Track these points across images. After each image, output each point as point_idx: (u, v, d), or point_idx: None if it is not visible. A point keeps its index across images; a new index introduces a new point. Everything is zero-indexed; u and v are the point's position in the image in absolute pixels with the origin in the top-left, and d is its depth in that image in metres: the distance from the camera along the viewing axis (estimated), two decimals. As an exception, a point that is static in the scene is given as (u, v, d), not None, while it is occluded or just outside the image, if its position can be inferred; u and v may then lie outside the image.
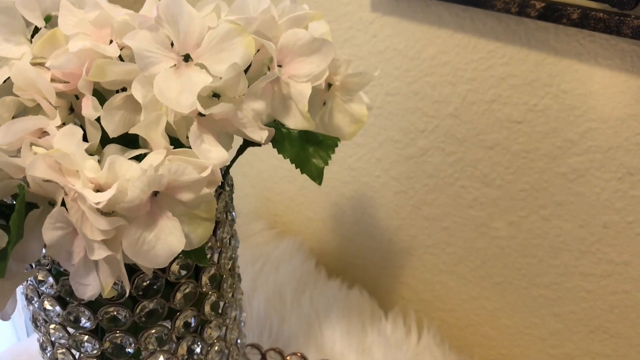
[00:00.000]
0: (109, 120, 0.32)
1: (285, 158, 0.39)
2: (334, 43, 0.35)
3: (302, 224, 0.79)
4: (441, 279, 0.67)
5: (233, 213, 0.44)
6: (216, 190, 0.39)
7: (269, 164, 0.79)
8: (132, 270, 0.37)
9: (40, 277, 0.38)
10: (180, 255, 0.38)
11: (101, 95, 0.33)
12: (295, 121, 0.36)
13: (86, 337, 0.39)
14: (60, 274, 0.38)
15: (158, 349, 0.40)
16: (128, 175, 0.29)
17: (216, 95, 0.33)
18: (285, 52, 0.35)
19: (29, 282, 0.40)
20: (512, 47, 0.53)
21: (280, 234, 0.80)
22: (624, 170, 0.51)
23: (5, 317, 0.33)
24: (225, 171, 0.41)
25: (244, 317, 0.50)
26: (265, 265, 0.72)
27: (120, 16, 0.33)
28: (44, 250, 0.32)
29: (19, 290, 0.37)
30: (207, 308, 0.42)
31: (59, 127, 0.31)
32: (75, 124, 0.32)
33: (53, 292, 0.38)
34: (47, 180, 0.29)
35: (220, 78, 0.32)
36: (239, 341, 0.48)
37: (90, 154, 0.31)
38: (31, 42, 0.34)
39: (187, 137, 0.31)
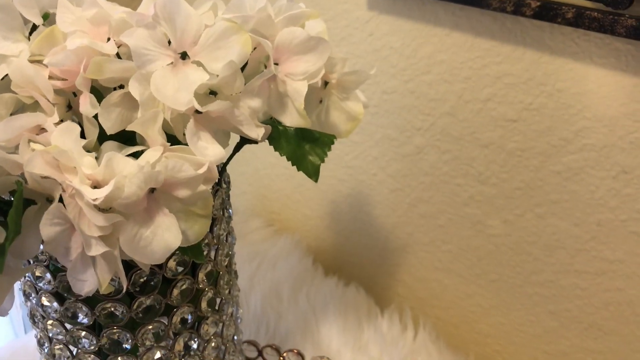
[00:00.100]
0: (107, 117, 0.32)
1: (281, 155, 0.39)
2: (331, 41, 0.35)
3: (299, 221, 0.79)
4: (437, 276, 0.67)
5: (230, 210, 0.44)
6: (213, 187, 0.40)
7: (267, 162, 0.80)
8: (129, 266, 0.37)
9: (38, 273, 0.39)
10: (177, 252, 0.38)
11: (99, 92, 0.33)
12: (291, 119, 0.36)
13: (83, 333, 0.40)
14: (57, 270, 0.38)
15: (155, 344, 0.41)
16: (125, 172, 0.30)
17: (213, 93, 0.33)
18: (282, 50, 0.35)
19: (26, 278, 0.40)
20: (507, 45, 0.53)
21: (278, 232, 0.80)
22: (618, 168, 0.51)
23: (3, 313, 0.33)
24: (222, 168, 0.42)
25: (241, 314, 0.51)
26: (262, 262, 0.72)
27: (117, 14, 0.33)
28: (41, 246, 0.32)
29: (17, 286, 0.38)
30: (203, 304, 0.42)
31: (57, 124, 0.31)
32: (73, 121, 0.32)
33: (51, 288, 0.39)
34: (45, 177, 0.29)
35: (217, 76, 0.32)
36: (235, 337, 0.48)
37: (88, 151, 0.31)
38: (29, 39, 0.34)
39: (184, 135, 0.32)
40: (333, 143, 0.41)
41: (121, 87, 0.33)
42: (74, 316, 0.39)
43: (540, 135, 0.54)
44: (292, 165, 0.40)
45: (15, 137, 0.30)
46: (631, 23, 0.45)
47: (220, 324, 0.45)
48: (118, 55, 0.33)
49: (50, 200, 0.31)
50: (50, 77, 0.32)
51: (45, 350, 0.43)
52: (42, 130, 0.31)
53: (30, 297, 0.41)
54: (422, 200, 0.65)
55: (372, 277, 0.73)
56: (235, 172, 0.83)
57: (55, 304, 0.39)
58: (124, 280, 0.32)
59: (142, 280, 0.38)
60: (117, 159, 0.30)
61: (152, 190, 0.31)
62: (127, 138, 0.33)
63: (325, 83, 0.39)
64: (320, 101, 0.39)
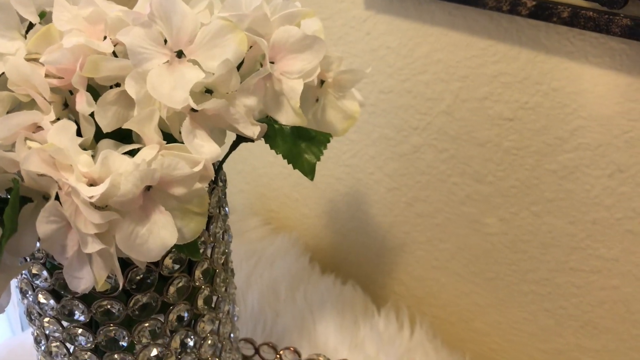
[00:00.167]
0: (103, 115, 0.32)
1: (277, 154, 0.40)
2: (328, 40, 0.35)
3: (297, 220, 0.79)
4: (433, 275, 0.68)
5: (226, 208, 0.45)
6: (209, 185, 0.40)
7: (264, 161, 0.80)
8: (126, 264, 0.37)
9: (34, 271, 0.39)
10: (173, 250, 0.38)
11: (95, 90, 0.33)
12: (287, 117, 0.36)
13: (80, 331, 0.40)
14: (54, 268, 0.38)
15: (151, 342, 0.41)
16: (121, 170, 0.30)
17: (209, 91, 0.33)
18: (278, 49, 0.35)
19: (23, 275, 0.40)
20: (503, 45, 0.54)
21: (275, 230, 0.80)
22: (613, 167, 0.51)
23: (0, 310, 0.33)
24: (219, 166, 0.42)
25: (237, 312, 0.51)
26: (260, 261, 0.72)
27: (114, 12, 0.33)
28: (38, 244, 0.32)
29: (14, 283, 0.38)
30: (200, 302, 0.42)
31: (53, 122, 0.31)
32: (69, 119, 0.32)
33: (47, 286, 0.39)
34: (41, 175, 0.30)
35: (213, 74, 0.32)
36: (232, 335, 0.49)
37: (84, 149, 0.31)
38: (25, 37, 0.34)
39: (180, 133, 0.32)
40: (329, 141, 0.41)
41: (117, 85, 0.33)
42: (71, 314, 0.39)
43: (536, 134, 0.55)
44: (288, 163, 0.40)
45: (12, 135, 0.31)
46: (626, 23, 0.45)
47: (217, 322, 0.45)
48: (114, 54, 0.33)
49: (46, 198, 0.31)
50: (46, 76, 0.32)
51: (42, 347, 0.43)
52: (39, 128, 0.31)
53: (27, 295, 0.41)
54: (419, 199, 0.65)
55: (369, 275, 0.74)
56: (233, 171, 0.83)
57: (51, 302, 0.39)
58: (120, 277, 0.32)
59: (138, 277, 0.38)
60: (113, 156, 0.30)
61: (148, 188, 0.31)
62: (123, 136, 0.33)
63: (322, 82, 0.39)
64: (317, 100, 0.39)
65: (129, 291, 0.39)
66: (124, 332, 0.40)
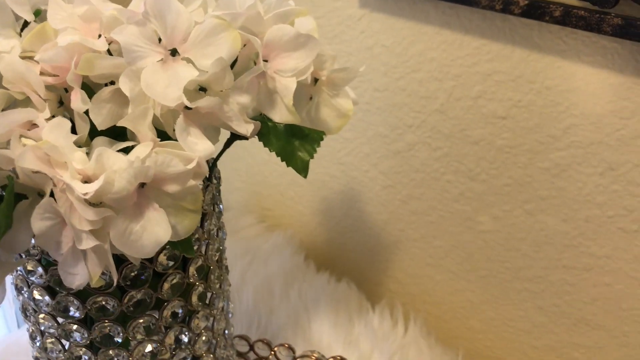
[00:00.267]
0: (97, 113, 0.32)
1: (271, 151, 0.40)
2: (322, 39, 0.36)
3: (292, 217, 0.80)
4: (428, 272, 0.68)
5: (220, 205, 0.45)
6: (203, 182, 0.40)
7: (260, 158, 0.80)
8: (120, 260, 0.37)
9: (29, 267, 0.39)
10: (168, 246, 0.38)
11: (90, 88, 0.34)
12: (280, 115, 0.36)
13: (75, 327, 0.40)
14: (49, 264, 0.38)
15: (146, 338, 0.41)
16: (115, 167, 0.30)
17: (203, 89, 0.34)
18: (271, 47, 0.35)
19: (18, 272, 0.40)
20: (497, 43, 0.54)
21: (270, 228, 0.80)
22: (605, 165, 0.52)
23: (-5, 306, 0.34)
24: (213, 164, 0.42)
25: (232, 308, 0.51)
26: (254, 258, 0.73)
27: (108, 11, 0.33)
28: (33, 240, 0.32)
29: (9, 280, 0.38)
30: (194, 298, 0.43)
31: (48, 119, 0.31)
32: (64, 116, 0.33)
33: (42, 282, 0.39)
34: (36, 172, 0.30)
35: (207, 72, 0.32)
36: (226, 332, 0.49)
37: (79, 146, 0.32)
38: (20, 35, 0.34)
39: (174, 130, 0.32)
40: (322, 139, 0.42)
41: (112, 83, 0.33)
42: (66, 310, 0.39)
43: (528, 132, 0.55)
44: (282, 161, 0.40)
45: (7, 132, 0.31)
46: (617, 22, 0.45)
47: (211, 318, 0.45)
48: (109, 52, 0.34)
49: (41, 194, 0.31)
50: (41, 73, 0.32)
51: (37, 344, 0.43)
52: (34, 125, 0.32)
53: (22, 291, 0.41)
54: (413, 197, 0.66)
55: (363, 272, 0.74)
56: (228, 168, 0.83)
57: (46, 298, 0.40)
58: (115, 274, 0.33)
59: (132, 274, 0.39)
60: (107, 154, 0.30)
61: (142, 185, 0.31)
62: (117, 134, 0.33)
63: (315, 80, 0.39)
64: (310, 98, 0.40)
65: (124, 287, 0.39)
66: (119, 328, 0.40)
